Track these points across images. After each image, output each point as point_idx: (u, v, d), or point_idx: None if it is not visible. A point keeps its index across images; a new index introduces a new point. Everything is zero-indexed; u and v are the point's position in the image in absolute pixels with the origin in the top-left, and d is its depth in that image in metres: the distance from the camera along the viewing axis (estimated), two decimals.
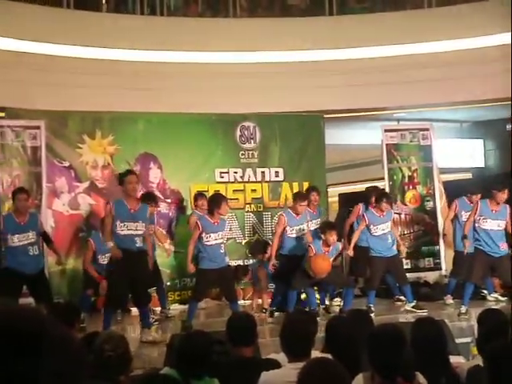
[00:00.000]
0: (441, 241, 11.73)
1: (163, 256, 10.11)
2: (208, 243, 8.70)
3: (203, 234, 8.70)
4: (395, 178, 11.98)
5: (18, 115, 10.41)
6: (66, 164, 10.59)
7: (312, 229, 9.98)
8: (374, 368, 3.68)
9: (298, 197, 9.94)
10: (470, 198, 10.47)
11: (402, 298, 10.36)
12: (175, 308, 10.55)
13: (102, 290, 9.43)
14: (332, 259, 9.43)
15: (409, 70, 12.49)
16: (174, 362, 4.33)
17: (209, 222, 8.76)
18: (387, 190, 11.50)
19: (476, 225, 9.52)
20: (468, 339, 6.63)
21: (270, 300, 9.99)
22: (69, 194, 10.57)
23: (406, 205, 11.90)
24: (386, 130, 12.07)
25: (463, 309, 9.24)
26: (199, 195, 10.45)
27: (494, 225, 9.42)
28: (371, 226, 9.88)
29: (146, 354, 7.48)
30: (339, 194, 14.42)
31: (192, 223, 9.61)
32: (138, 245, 7.96)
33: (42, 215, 9.65)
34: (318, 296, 9.98)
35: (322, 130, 12.11)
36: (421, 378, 3.78)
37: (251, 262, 10.98)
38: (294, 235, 9.74)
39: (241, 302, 10.15)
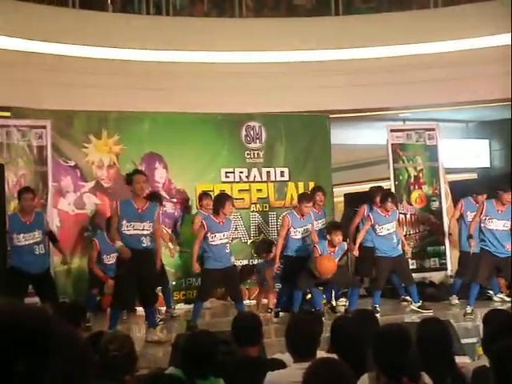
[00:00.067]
0: (446, 241, 11.72)
1: (168, 255, 10.12)
2: (213, 243, 8.69)
3: (208, 234, 8.70)
4: (401, 177, 11.97)
5: (24, 115, 10.43)
6: (72, 163, 10.61)
7: (317, 229, 9.98)
8: (380, 368, 3.68)
9: (304, 198, 9.92)
10: (476, 198, 10.46)
11: (408, 298, 10.35)
12: (180, 308, 10.55)
13: (107, 290, 9.45)
14: (337, 259, 9.43)
15: (414, 70, 12.47)
16: (179, 361, 4.33)
17: (214, 221, 8.76)
18: (393, 190, 11.49)
19: (482, 225, 9.51)
20: (474, 339, 6.61)
21: (275, 300, 9.99)
22: (74, 193, 10.59)
23: (411, 205, 11.89)
24: (391, 130, 12.06)
25: (469, 309, 9.23)
26: (204, 195, 10.45)
27: (499, 225, 9.41)
28: (376, 226, 9.87)
29: (151, 354, 7.49)
30: (345, 194, 14.39)
31: (196, 223, 9.61)
32: (144, 244, 7.94)
33: (48, 214, 9.66)
34: (324, 296, 10.00)
35: (327, 129, 12.10)
36: (426, 378, 3.77)
37: (257, 261, 10.99)
38: (298, 236, 9.71)
39: (246, 301, 10.14)
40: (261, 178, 11.56)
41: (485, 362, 4.05)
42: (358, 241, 9.98)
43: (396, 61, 12.54)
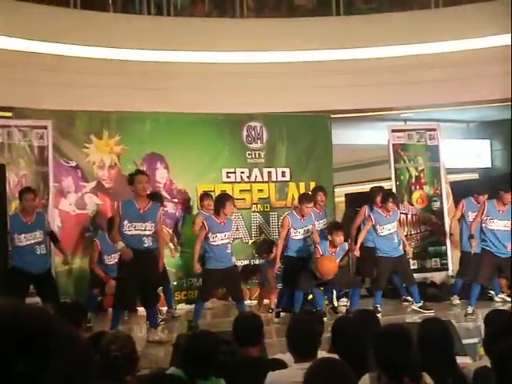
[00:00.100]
0: (448, 241, 11.72)
1: (169, 256, 10.11)
2: (214, 243, 8.69)
3: (209, 234, 8.69)
4: (402, 178, 11.97)
5: (25, 115, 10.43)
6: (73, 164, 10.61)
7: (318, 229, 9.97)
8: (381, 368, 3.68)
9: (304, 198, 9.91)
10: (477, 198, 10.46)
11: (409, 298, 10.34)
12: (181, 308, 10.55)
13: (108, 290, 9.44)
14: (338, 260, 9.42)
15: (416, 70, 12.48)
16: (181, 361, 4.33)
17: (215, 222, 8.75)
18: (394, 190, 11.47)
19: (483, 225, 9.51)
20: (475, 340, 6.62)
21: (276, 300, 9.99)
22: (75, 193, 10.59)
23: (412, 205, 11.89)
24: (392, 130, 12.05)
25: (470, 309, 9.23)
26: (205, 195, 10.45)
27: (500, 225, 9.41)
28: (377, 226, 9.87)
29: (152, 354, 7.49)
30: (346, 194, 14.39)
31: (197, 224, 9.61)
32: (146, 245, 7.94)
33: (49, 215, 9.67)
34: (325, 296, 10.00)
35: (328, 130, 12.10)
36: (427, 378, 3.77)
37: (258, 262, 10.98)
38: (299, 237, 9.70)
39: (247, 301, 10.14)
40: (262, 178, 11.56)
41: (486, 362, 4.05)
42: (359, 241, 9.97)
43: (397, 61, 12.54)
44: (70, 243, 10.26)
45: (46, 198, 10.08)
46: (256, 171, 11.53)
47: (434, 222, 11.94)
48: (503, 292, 10.55)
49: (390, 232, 9.86)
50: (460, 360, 4.58)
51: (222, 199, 8.90)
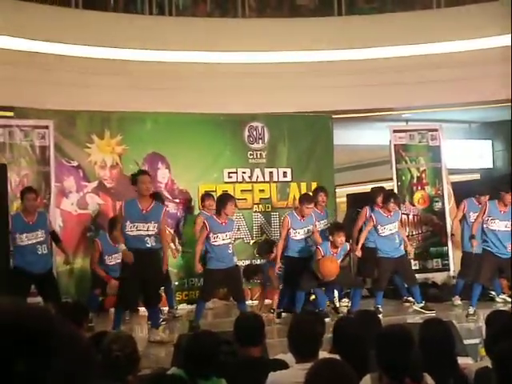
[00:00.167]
0: (449, 242, 11.71)
1: (170, 256, 10.11)
2: (216, 243, 8.68)
3: (211, 235, 8.68)
4: (404, 178, 11.96)
5: (27, 115, 10.44)
6: (75, 164, 10.61)
7: (319, 229, 9.96)
8: (382, 369, 3.68)
9: (305, 199, 9.90)
10: (479, 198, 10.46)
11: (411, 299, 10.34)
12: (183, 308, 10.56)
13: (109, 290, 9.45)
14: (340, 260, 9.42)
15: (417, 71, 12.47)
16: (182, 361, 4.33)
17: (216, 222, 8.74)
18: (395, 190, 11.46)
19: (484, 225, 9.51)
20: (476, 340, 6.62)
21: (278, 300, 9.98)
22: (77, 193, 10.59)
23: (414, 205, 11.89)
24: (394, 131, 12.05)
25: (471, 310, 9.23)
26: (206, 195, 10.45)
27: (501, 226, 9.41)
28: (379, 227, 9.86)
29: (153, 354, 7.49)
30: (347, 195, 14.38)
31: (199, 224, 9.60)
32: (148, 245, 7.93)
33: (51, 215, 9.67)
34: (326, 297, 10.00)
35: (330, 130, 12.10)
36: (429, 378, 3.77)
37: (259, 262, 10.97)
38: (299, 237, 9.69)
39: (248, 302, 10.14)
40: (263, 178, 11.56)
41: (487, 362, 4.05)
42: (361, 241, 9.96)
43: (399, 61, 12.54)
44: (72, 243, 10.26)
45: (48, 197, 10.08)
46: (257, 171, 11.53)
47: (435, 222, 11.94)
48: (504, 293, 10.55)
49: (391, 232, 9.85)
50: (461, 361, 4.58)
51: (224, 199, 8.89)
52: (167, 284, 9.93)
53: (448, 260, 11.81)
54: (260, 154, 11.59)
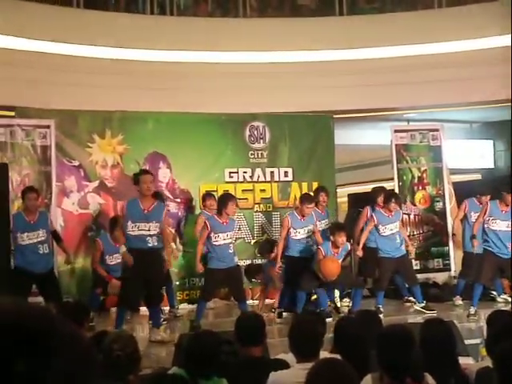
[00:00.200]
0: (450, 242, 11.72)
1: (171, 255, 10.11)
2: (217, 243, 8.68)
3: (212, 234, 8.68)
4: (405, 178, 11.96)
5: (28, 114, 10.44)
6: (76, 163, 10.61)
7: (320, 229, 9.95)
8: (383, 368, 3.68)
9: (305, 199, 9.89)
10: (480, 198, 10.46)
11: (412, 299, 10.34)
12: (184, 307, 10.55)
13: (110, 289, 9.45)
14: (341, 260, 9.42)
15: (418, 71, 12.47)
16: (183, 361, 4.33)
17: (217, 222, 8.74)
18: (397, 190, 11.46)
19: (485, 225, 9.51)
20: (477, 340, 6.61)
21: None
22: (78, 193, 10.59)
23: (415, 205, 11.88)
24: (395, 131, 12.04)
25: (472, 310, 9.23)
26: (207, 195, 10.44)
27: (502, 226, 9.41)
28: (380, 226, 9.85)
29: (154, 354, 7.49)
30: (348, 195, 14.38)
31: (199, 223, 9.59)
32: (150, 244, 7.92)
33: (52, 214, 9.66)
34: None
35: (331, 130, 12.09)
36: (429, 378, 3.78)
37: (260, 261, 10.97)
38: (299, 237, 9.68)
39: (249, 301, 10.13)
40: (264, 178, 11.56)
41: (488, 363, 4.05)
42: (362, 241, 9.94)
43: (400, 61, 12.54)
44: (73, 242, 10.27)
45: (49, 197, 10.09)
46: (258, 171, 11.53)
47: (436, 222, 11.94)
48: (505, 293, 10.55)
49: (392, 232, 9.84)
50: (462, 360, 4.58)
51: (225, 199, 8.89)
52: (168, 283, 9.93)
53: (449, 260, 11.81)
54: (261, 153, 11.59)
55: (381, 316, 7.67)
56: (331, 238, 9.34)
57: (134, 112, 11.21)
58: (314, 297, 9.88)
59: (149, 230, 7.91)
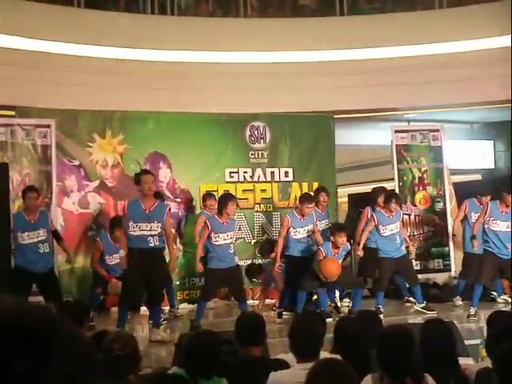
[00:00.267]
0: (450, 242, 11.72)
1: None
2: (217, 243, 8.68)
3: (212, 234, 8.68)
4: (405, 178, 11.96)
5: (29, 114, 10.44)
6: (76, 163, 10.62)
7: (320, 229, 9.95)
8: (383, 369, 3.68)
9: (305, 198, 9.87)
10: (480, 199, 10.46)
11: (412, 299, 10.34)
12: (184, 307, 10.56)
13: (110, 289, 9.45)
14: (341, 260, 9.41)
15: (419, 71, 12.46)
16: (183, 361, 4.33)
17: (218, 222, 8.74)
18: (397, 190, 11.46)
19: (485, 226, 9.51)
20: (477, 341, 6.61)
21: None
22: (78, 192, 10.60)
23: (415, 206, 11.88)
24: (396, 131, 12.04)
25: (472, 310, 9.23)
26: (208, 195, 10.44)
27: (503, 226, 9.40)
28: (380, 227, 9.84)
29: (154, 354, 7.49)
30: (349, 195, 14.39)
31: (200, 223, 9.59)
32: (151, 244, 7.91)
33: (52, 213, 9.66)
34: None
35: (332, 130, 12.09)
36: (429, 379, 3.78)
37: (261, 261, 10.97)
38: (299, 236, 9.67)
39: (250, 301, 10.13)
40: (265, 178, 11.57)
41: (488, 363, 4.05)
42: (362, 241, 9.94)
43: (400, 61, 12.53)
44: (73, 242, 10.27)
45: (49, 196, 10.09)
46: (259, 171, 11.53)
47: (436, 222, 11.93)
48: (505, 293, 10.55)
49: (392, 232, 9.84)
50: (462, 361, 4.58)
51: (225, 199, 8.89)
52: (168, 283, 9.93)
53: (449, 260, 11.81)
54: (261, 153, 11.59)
55: (381, 316, 7.67)
56: (331, 238, 9.34)
57: (135, 112, 11.21)
58: (315, 297, 9.88)
59: (150, 230, 7.90)
